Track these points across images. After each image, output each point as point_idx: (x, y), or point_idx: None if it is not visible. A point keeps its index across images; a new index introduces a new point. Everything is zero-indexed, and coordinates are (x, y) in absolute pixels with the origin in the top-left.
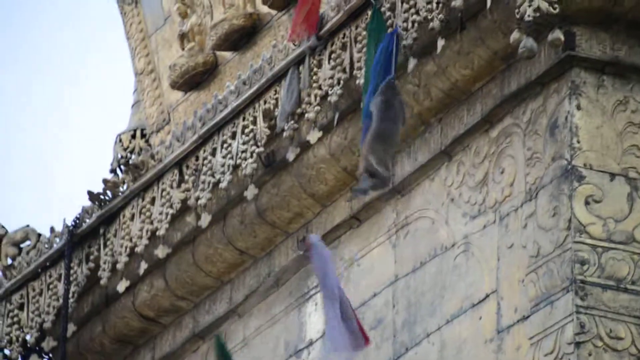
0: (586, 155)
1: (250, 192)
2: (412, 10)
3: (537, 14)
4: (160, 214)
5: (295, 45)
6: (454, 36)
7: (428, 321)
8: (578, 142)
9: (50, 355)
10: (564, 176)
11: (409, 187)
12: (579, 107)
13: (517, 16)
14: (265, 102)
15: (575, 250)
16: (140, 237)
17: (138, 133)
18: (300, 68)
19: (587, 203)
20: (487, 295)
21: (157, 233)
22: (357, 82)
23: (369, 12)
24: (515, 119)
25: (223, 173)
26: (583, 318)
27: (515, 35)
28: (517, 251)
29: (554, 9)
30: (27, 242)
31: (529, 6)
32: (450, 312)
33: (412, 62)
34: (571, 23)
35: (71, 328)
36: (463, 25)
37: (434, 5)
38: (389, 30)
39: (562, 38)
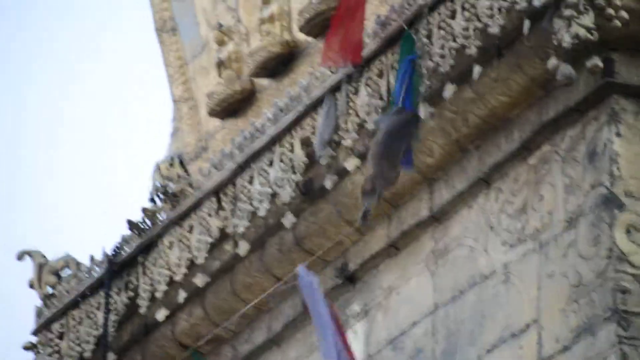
0: (626, 182)
1: (288, 220)
2: (449, 37)
3: (575, 41)
4: (199, 242)
5: (331, 72)
6: (491, 63)
7: (468, 351)
8: (618, 169)
9: None
10: (604, 204)
11: (447, 214)
12: (618, 134)
13: (555, 43)
14: (302, 130)
15: (617, 280)
16: (179, 266)
17: (176, 161)
18: (337, 95)
19: (628, 231)
20: (528, 325)
21: (196, 262)
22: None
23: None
24: (553, 146)
25: (261, 201)
26: (626, 349)
27: (553, 62)
28: (557, 280)
29: (592, 35)
30: (67, 271)
31: (567, 32)
32: (490, 341)
33: (449, 89)
34: (609, 49)
35: (111, 357)
36: (500, 52)
37: (471, 31)
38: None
39: (601, 65)
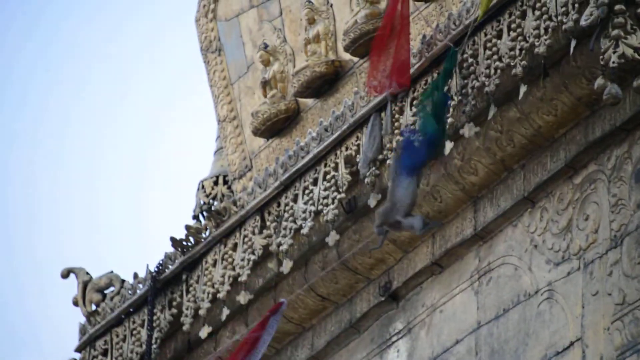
0: None
1: (332, 238)
2: (495, 56)
3: (622, 60)
4: (242, 260)
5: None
6: (536, 82)
7: None
8: None
9: None
10: None
11: (491, 233)
12: None
13: (602, 62)
14: (346, 149)
15: None
16: (223, 283)
17: (220, 180)
18: (382, 114)
19: None
20: (572, 343)
21: (239, 279)
22: None
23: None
24: (599, 166)
25: (304, 219)
26: None
27: (599, 81)
28: (602, 299)
29: (639, 55)
30: (111, 288)
31: (614, 52)
32: (534, 359)
33: (492, 110)
34: None
35: None
36: (546, 72)
37: (517, 51)
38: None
39: None
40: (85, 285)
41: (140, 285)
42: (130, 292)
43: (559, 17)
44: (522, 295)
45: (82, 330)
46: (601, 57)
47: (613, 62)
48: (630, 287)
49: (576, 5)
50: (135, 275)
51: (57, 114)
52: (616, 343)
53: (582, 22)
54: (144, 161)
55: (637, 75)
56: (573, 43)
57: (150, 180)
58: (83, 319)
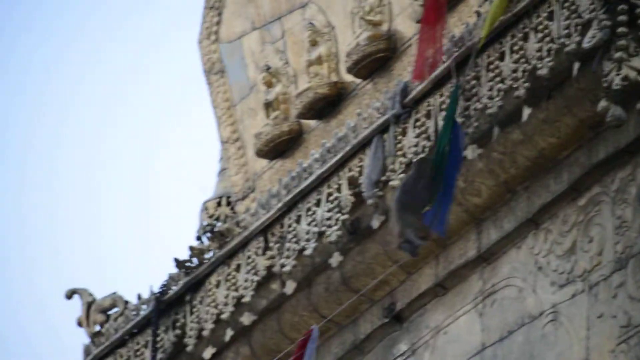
0: None
1: (335, 259)
2: (498, 78)
3: (625, 83)
4: (246, 281)
5: (380, 113)
6: (540, 104)
7: None
8: None
9: None
10: None
11: (495, 255)
12: None
13: (605, 85)
14: (349, 170)
15: None
16: (226, 304)
17: (224, 201)
18: (385, 136)
19: None
20: None
21: (243, 300)
22: None
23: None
24: (603, 188)
25: (308, 240)
26: None
27: (603, 103)
28: (607, 321)
29: None
30: (115, 309)
31: (617, 75)
32: None
33: (496, 131)
34: None
35: None
36: (549, 94)
37: (520, 73)
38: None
39: None
40: (89, 306)
41: (144, 306)
42: (134, 313)
43: (562, 39)
44: (526, 317)
45: (87, 351)
46: (604, 79)
47: (616, 85)
48: (635, 309)
49: (579, 27)
50: (139, 297)
51: (52, 132)
52: None
53: (585, 44)
54: (147, 181)
55: None
56: (576, 65)
57: (153, 201)
58: (87, 340)
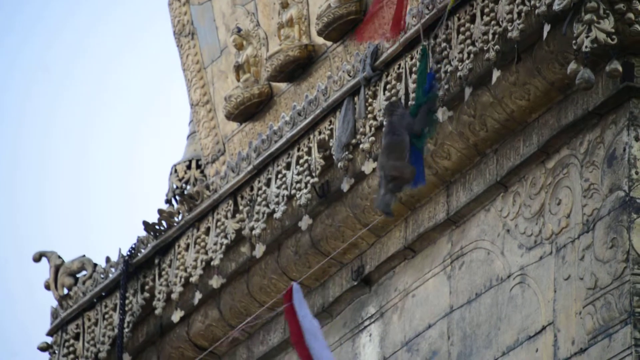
0: None
1: (305, 222)
2: (468, 41)
3: (595, 45)
4: (215, 244)
5: (350, 76)
6: (509, 67)
7: (483, 353)
8: (636, 173)
9: None
10: (622, 208)
11: (464, 218)
12: (637, 139)
13: (575, 47)
14: (320, 133)
15: (634, 283)
16: (195, 267)
17: (193, 164)
18: (356, 99)
19: None
20: (544, 327)
21: (212, 263)
22: None
23: (420, 48)
24: (572, 150)
25: (277, 203)
26: None
27: (572, 66)
28: (574, 283)
29: (612, 39)
30: (83, 272)
31: (587, 37)
32: (506, 344)
33: (467, 93)
34: (629, 54)
35: (126, 358)
36: (519, 56)
37: (490, 36)
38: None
39: (620, 69)
40: (57, 269)
41: (113, 269)
42: (102, 276)
43: (532, 2)
44: (494, 279)
45: (54, 314)
46: (574, 41)
47: (586, 47)
48: (601, 271)
49: None
50: (108, 259)
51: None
52: (588, 327)
53: (555, 7)
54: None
55: (609, 59)
56: (546, 27)
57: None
58: (55, 303)
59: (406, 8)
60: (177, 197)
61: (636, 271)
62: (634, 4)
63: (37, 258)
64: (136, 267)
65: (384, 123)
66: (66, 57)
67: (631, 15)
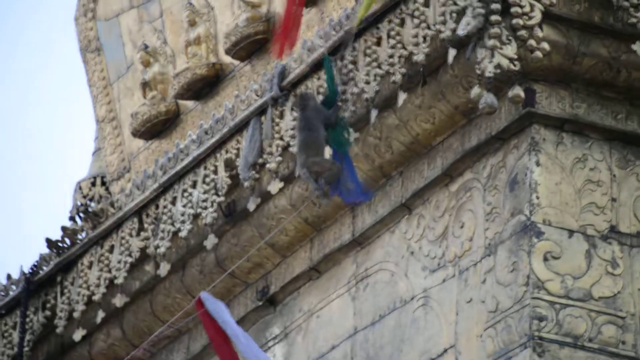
0: (545, 211)
1: (210, 241)
2: (374, 63)
3: (498, 70)
4: (119, 262)
5: (257, 95)
6: (415, 90)
7: None
8: (537, 198)
9: None
10: (523, 232)
11: (369, 239)
12: (538, 164)
13: (478, 72)
14: (226, 152)
15: (534, 306)
16: (98, 286)
17: (98, 181)
18: (263, 118)
19: (545, 259)
20: (445, 350)
21: (116, 282)
22: None
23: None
24: (475, 174)
25: (183, 222)
26: None
27: (476, 90)
28: (475, 306)
29: (515, 65)
30: None
31: (490, 62)
32: None
33: (373, 114)
34: (531, 80)
35: None
36: (424, 80)
37: (396, 59)
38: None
39: (522, 95)
40: None
41: (14, 287)
42: (2, 293)
43: (437, 26)
44: (398, 301)
45: None
46: (477, 66)
47: (489, 72)
48: (502, 294)
49: (454, 14)
50: (9, 276)
51: None
52: (488, 350)
53: (460, 32)
54: (20, 160)
55: (512, 85)
56: (452, 52)
57: (26, 181)
58: None
59: (297, 24)
60: (81, 215)
61: (536, 295)
62: (535, 31)
63: None
64: (38, 285)
65: (298, 117)
66: None
67: (533, 42)
